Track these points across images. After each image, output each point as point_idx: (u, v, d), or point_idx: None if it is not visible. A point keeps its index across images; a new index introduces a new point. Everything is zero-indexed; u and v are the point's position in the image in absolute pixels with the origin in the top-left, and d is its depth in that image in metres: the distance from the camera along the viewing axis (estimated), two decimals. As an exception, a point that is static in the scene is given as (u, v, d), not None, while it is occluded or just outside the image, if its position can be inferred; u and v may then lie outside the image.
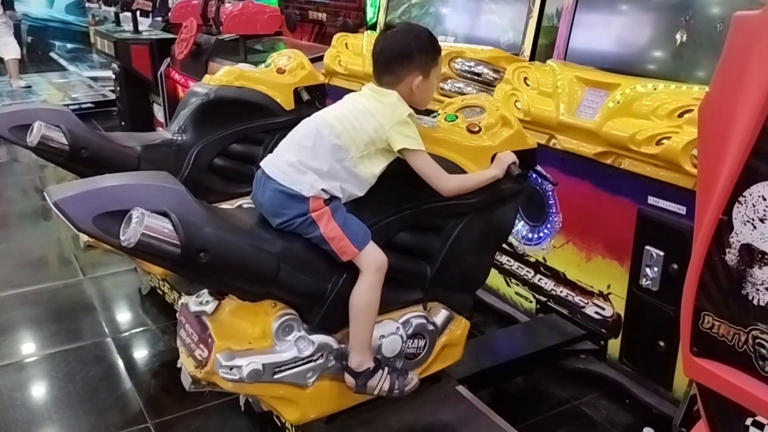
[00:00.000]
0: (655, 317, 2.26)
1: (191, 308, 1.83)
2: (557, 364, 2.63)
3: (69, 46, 11.69)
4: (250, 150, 2.85)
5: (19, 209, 4.81)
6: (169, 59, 5.08)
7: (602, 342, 2.55)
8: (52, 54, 11.43)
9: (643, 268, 2.26)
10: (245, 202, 2.70)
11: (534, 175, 2.23)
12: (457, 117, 2.06)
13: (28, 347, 2.96)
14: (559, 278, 2.71)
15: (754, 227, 1.13)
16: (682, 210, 2.13)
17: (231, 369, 1.74)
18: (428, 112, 2.10)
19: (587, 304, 2.59)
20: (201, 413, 2.43)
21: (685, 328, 1.27)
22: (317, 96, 2.97)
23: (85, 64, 10.34)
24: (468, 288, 2.15)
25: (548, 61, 2.75)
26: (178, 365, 1.92)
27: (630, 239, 2.31)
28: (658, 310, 2.23)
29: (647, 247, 2.24)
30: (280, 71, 2.95)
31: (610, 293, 2.49)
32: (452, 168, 1.92)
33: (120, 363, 2.81)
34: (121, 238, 1.48)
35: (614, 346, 2.50)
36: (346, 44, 3.74)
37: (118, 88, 6.05)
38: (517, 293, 2.95)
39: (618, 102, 2.31)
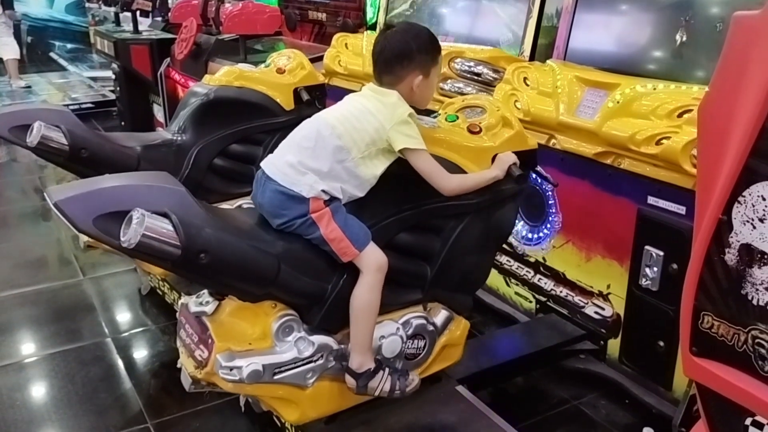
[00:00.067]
0: (654, 317, 2.26)
1: (191, 309, 1.83)
2: (557, 364, 2.63)
3: (69, 46, 11.68)
4: (250, 150, 2.85)
5: (19, 209, 4.81)
6: (168, 59, 5.07)
7: (602, 342, 2.55)
8: (51, 54, 11.42)
9: (642, 268, 2.26)
10: (245, 202, 2.69)
11: (534, 176, 2.23)
12: (457, 117, 2.06)
13: (27, 347, 2.96)
14: (559, 278, 2.71)
15: (754, 227, 1.13)
16: (681, 210, 2.13)
17: (231, 370, 1.74)
18: (428, 112, 2.09)
19: (587, 304, 2.59)
20: (201, 413, 2.43)
21: (685, 328, 1.27)
22: (317, 96, 2.97)
23: (84, 64, 10.33)
24: (468, 288, 2.15)
25: (548, 61, 2.75)
26: (178, 366, 1.92)
27: (630, 239, 2.31)
28: (658, 310, 2.23)
29: (647, 247, 2.24)
30: (280, 71, 2.95)
31: (609, 293, 2.49)
32: (453, 168, 1.92)
33: (120, 363, 2.81)
34: (122, 239, 1.48)
35: (614, 346, 2.50)
36: (346, 44, 3.74)
37: (118, 89, 6.04)
38: (516, 293, 2.95)
39: (618, 102, 2.31)
